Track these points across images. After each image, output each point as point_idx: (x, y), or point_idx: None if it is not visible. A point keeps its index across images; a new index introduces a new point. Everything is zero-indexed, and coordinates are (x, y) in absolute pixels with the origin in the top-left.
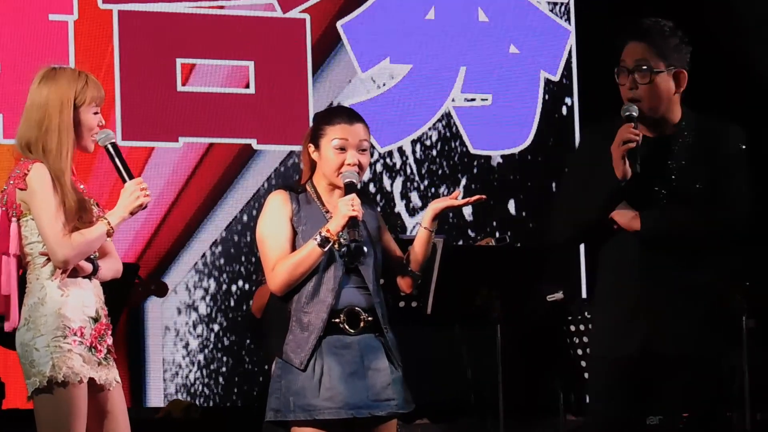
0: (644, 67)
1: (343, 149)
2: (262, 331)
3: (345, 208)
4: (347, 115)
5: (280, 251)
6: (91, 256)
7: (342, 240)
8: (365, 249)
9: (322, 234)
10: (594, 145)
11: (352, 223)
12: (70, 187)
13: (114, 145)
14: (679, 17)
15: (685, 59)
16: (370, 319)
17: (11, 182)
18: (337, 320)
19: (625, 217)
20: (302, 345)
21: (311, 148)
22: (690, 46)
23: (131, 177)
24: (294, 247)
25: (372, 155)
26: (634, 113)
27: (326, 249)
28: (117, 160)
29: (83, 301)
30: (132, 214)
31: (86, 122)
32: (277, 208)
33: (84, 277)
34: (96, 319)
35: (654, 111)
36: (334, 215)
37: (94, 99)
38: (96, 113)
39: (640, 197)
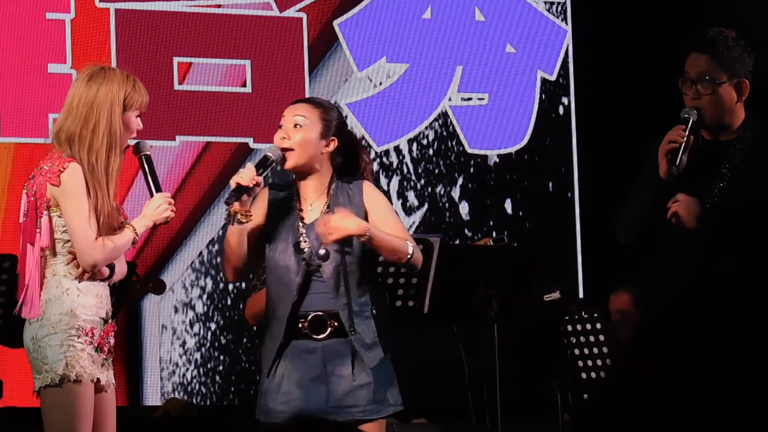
0: (707, 79)
1: (281, 126)
2: None
3: (237, 177)
4: (300, 100)
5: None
6: None
7: (303, 244)
8: (322, 252)
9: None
10: (655, 149)
11: (236, 188)
12: (108, 192)
13: (148, 157)
14: (677, 16)
15: (747, 68)
16: (336, 324)
17: (42, 176)
18: (302, 326)
19: (687, 211)
20: (268, 353)
21: None
22: (753, 54)
23: (159, 190)
24: (260, 240)
25: (369, 154)
26: (692, 117)
27: (234, 224)
28: (148, 171)
29: (96, 303)
30: (156, 225)
31: (130, 125)
32: (255, 203)
33: (101, 280)
34: (106, 320)
35: (716, 119)
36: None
37: (141, 104)
38: (138, 116)
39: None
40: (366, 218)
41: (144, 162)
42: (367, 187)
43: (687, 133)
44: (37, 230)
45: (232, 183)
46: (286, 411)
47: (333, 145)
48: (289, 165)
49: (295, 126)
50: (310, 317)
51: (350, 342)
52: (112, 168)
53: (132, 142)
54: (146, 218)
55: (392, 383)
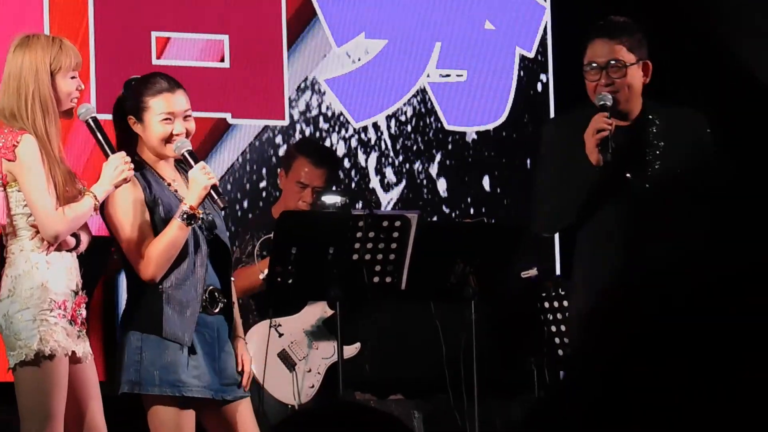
0: (618, 63)
1: (168, 120)
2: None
3: (202, 178)
4: (168, 83)
5: (147, 238)
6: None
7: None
8: (217, 222)
9: (185, 210)
10: (564, 136)
11: (215, 191)
12: (57, 157)
13: (95, 119)
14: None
15: (646, 51)
16: (224, 300)
17: None
18: (203, 298)
19: None
20: (186, 322)
21: (132, 120)
22: (646, 37)
23: (113, 151)
24: (153, 230)
25: (347, 130)
26: (608, 102)
27: (193, 224)
28: (98, 134)
29: (66, 275)
30: (116, 187)
31: (63, 88)
32: (128, 190)
33: (67, 251)
34: (76, 292)
35: (627, 102)
36: (189, 188)
37: (70, 65)
38: (74, 77)
39: (618, 183)
40: None
41: (92, 125)
42: None
43: (611, 119)
44: None
45: (206, 189)
46: (199, 384)
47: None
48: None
49: (187, 118)
50: (208, 291)
51: (228, 319)
52: (50, 133)
53: (83, 109)
54: (105, 182)
55: None
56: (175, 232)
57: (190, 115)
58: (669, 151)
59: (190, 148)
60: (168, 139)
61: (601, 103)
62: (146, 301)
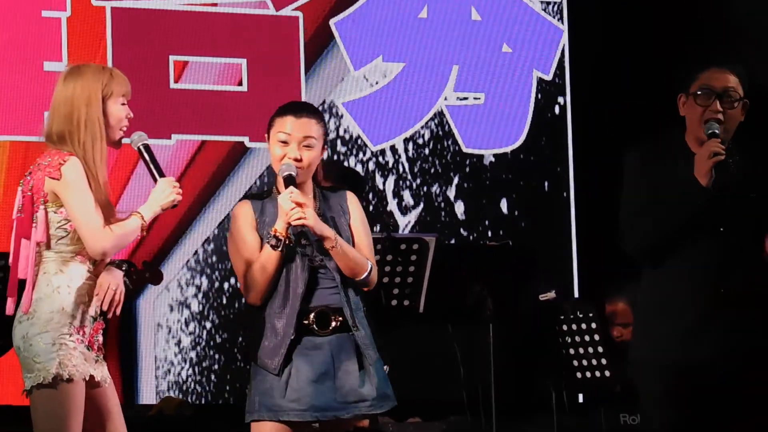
0: (734, 93)
1: (285, 143)
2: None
3: (286, 203)
4: (298, 108)
5: (249, 258)
6: None
7: (304, 241)
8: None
9: (272, 234)
10: (651, 163)
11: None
12: (101, 184)
13: (146, 146)
14: (672, 16)
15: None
16: (341, 319)
17: (40, 171)
18: (307, 321)
19: None
20: (276, 351)
21: (267, 140)
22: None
23: (162, 175)
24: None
25: (364, 153)
26: (717, 131)
27: (281, 248)
28: (149, 160)
29: (87, 300)
30: (163, 209)
31: (114, 114)
32: (240, 219)
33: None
34: (95, 318)
35: (727, 134)
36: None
37: (121, 91)
38: (124, 104)
39: (717, 208)
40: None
41: (143, 152)
42: (351, 195)
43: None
44: (33, 225)
45: (292, 207)
46: (296, 408)
47: (325, 153)
48: (297, 181)
49: (307, 147)
50: (314, 312)
51: (353, 337)
52: (96, 159)
53: (135, 137)
54: (153, 204)
55: (387, 378)
56: (264, 257)
57: (311, 146)
58: (746, 185)
59: (291, 173)
60: (280, 161)
61: (711, 131)
62: (253, 330)
